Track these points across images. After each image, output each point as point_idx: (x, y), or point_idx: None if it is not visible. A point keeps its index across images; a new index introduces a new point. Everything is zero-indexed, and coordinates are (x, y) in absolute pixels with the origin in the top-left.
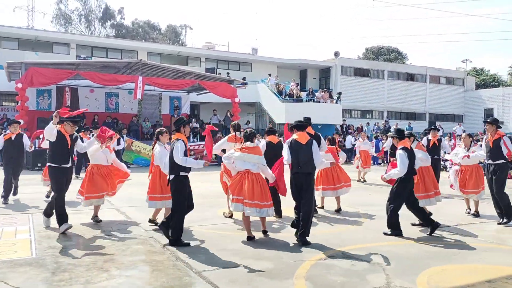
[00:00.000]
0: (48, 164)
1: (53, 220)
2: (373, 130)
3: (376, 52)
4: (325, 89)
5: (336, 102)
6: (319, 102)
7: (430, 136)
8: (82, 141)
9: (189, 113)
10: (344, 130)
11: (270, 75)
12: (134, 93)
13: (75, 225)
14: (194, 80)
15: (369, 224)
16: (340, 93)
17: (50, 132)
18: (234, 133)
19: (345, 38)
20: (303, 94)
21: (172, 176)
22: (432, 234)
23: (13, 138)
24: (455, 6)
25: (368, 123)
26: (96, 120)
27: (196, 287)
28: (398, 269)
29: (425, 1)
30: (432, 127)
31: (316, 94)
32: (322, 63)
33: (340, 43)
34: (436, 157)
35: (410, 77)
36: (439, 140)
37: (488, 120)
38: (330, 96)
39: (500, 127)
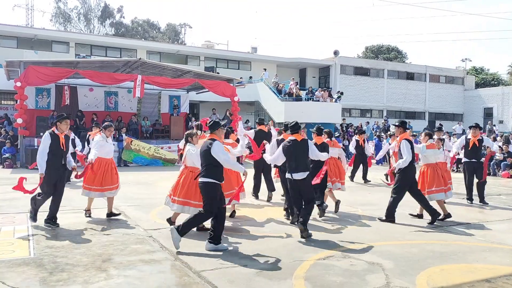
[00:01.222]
0: (208, 181)
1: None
2: (373, 129)
3: (376, 51)
4: (325, 88)
5: (336, 101)
6: (318, 101)
7: (469, 135)
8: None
9: (188, 112)
10: (344, 129)
11: (265, 69)
12: (133, 92)
13: (74, 225)
14: (193, 79)
15: (368, 224)
16: (342, 93)
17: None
18: (196, 131)
19: (345, 37)
20: (303, 93)
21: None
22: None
23: (63, 140)
24: (455, 5)
25: (367, 122)
26: (95, 119)
27: (194, 287)
28: (397, 269)
29: (424, 0)
30: (474, 125)
31: (316, 93)
32: (322, 62)
33: (340, 42)
34: (474, 160)
35: (410, 76)
36: (480, 140)
37: (396, 123)
38: (330, 95)
39: (408, 129)
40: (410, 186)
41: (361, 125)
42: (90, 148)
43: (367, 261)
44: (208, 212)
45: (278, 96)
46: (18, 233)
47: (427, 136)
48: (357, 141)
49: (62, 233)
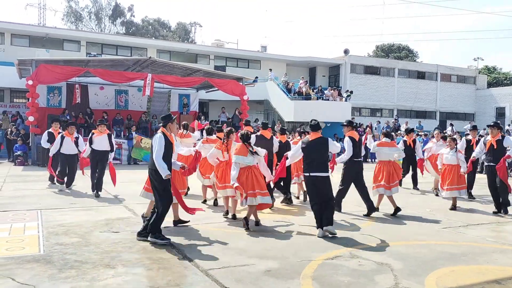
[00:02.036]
0: (329, 175)
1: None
2: (383, 128)
3: (387, 49)
4: (335, 87)
5: (346, 100)
6: (328, 100)
7: (488, 136)
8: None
9: (198, 111)
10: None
11: (271, 69)
12: (143, 90)
13: (83, 222)
14: (203, 77)
15: (376, 224)
16: (351, 92)
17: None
18: (182, 130)
19: (355, 35)
20: (312, 92)
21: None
22: (445, 232)
23: (173, 141)
24: (467, 3)
25: (379, 122)
26: (105, 117)
27: (202, 286)
28: (406, 270)
29: None
30: (491, 124)
31: (325, 92)
32: (332, 61)
33: (350, 40)
34: (492, 164)
35: (421, 75)
36: (500, 141)
37: (344, 123)
38: (340, 94)
39: (356, 127)
40: (354, 179)
41: (371, 124)
42: (92, 149)
43: (375, 261)
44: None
45: (287, 95)
46: (29, 230)
47: (382, 134)
48: (404, 141)
49: (72, 231)
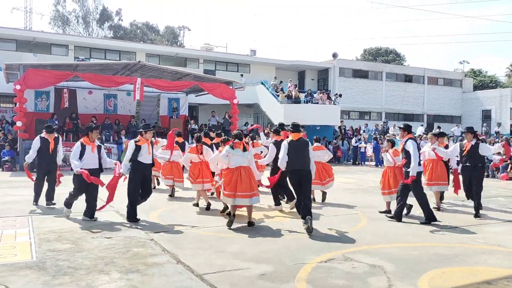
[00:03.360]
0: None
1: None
2: (372, 131)
3: (374, 53)
4: (323, 90)
5: (334, 103)
6: (317, 103)
7: (464, 141)
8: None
9: (187, 115)
10: (343, 131)
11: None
12: (133, 95)
13: (75, 228)
14: (192, 81)
15: (369, 226)
16: (340, 95)
17: None
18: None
19: (344, 39)
20: (302, 96)
21: None
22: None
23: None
24: (453, 7)
25: (366, 124)
26: (94, 122)
27: None
28: (399, 272)
29: (422, 3)
30: (465, 130)
31: (315, 95)
32: (320, 65)
33: (339, 44)
34: (468, 164)
35: (408, 79)
36: (473, 147)
37: (273, 129)
38: (329, 98)
39: (279, 131)
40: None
41: (360, 127)
42: (138, 162)
43: (368, 263)
44: None
45: (277, 99)
46: (20, 237)
47: (314, 140)
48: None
49: (64, 237)
